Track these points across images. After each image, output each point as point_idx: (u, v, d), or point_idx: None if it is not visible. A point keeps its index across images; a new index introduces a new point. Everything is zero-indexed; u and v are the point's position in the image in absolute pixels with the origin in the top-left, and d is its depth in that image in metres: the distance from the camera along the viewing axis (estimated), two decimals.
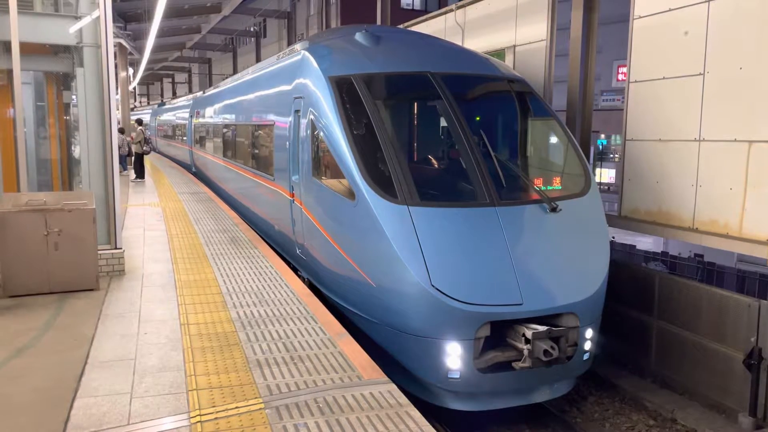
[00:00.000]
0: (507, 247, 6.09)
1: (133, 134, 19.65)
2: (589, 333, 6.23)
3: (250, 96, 11.99)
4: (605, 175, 42.77)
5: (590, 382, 7.96)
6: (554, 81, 10.23)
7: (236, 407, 4.19)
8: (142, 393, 4.41)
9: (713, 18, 7.18)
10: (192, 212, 12.48)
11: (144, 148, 18.95)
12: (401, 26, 14.25)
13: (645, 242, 28.65)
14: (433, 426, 4.19)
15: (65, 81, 8.87)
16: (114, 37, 9.56)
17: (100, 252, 7.19)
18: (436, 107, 7.40)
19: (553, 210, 6.56)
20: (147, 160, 21.26)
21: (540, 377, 6.17)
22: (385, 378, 4.69)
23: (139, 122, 21.63)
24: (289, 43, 32.06)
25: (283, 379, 4.62)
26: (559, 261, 6.28)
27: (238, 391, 4.44)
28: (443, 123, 7.82)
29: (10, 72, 7.30)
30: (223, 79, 23.22)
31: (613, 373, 8.09)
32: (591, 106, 9.91)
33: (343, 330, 5.73)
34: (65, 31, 7.55)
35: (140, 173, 18.73)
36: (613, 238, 26.07)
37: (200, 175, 20.23)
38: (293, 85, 8.51)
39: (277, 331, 5.63)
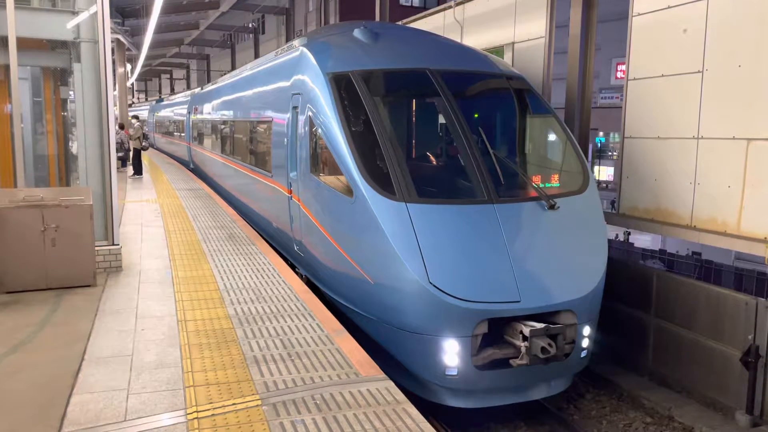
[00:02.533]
0: (505, 244, 6.09)
1: (131, 130, 19.54)
2: (586, 330, 6.23)
3: (248, 92, 11.97)
4: (603, 172, 42.85)
5: (587, 380, 7.97)
6: (553, 78, 10.22)
7: (233, 404, 4.18)
8: (139, 389, 4.40)
9: (712, 15, 7.18)
10: (190, 209, 12.46)
11: (143, 143, 18.89)
12: (400, 23, 14.23)
13: (643, 240, 28.71)
14: (431, 423, 4.19)
15: (63, 77, 8.84)
16: (112, 32, 9.54)
17: (97, 248, 7.17)
18: (434, 104, 7.40)
19: (552, 207, 6.55)
20: (145, 156, 21.18)
21: (537, 374, 6.17)
22: (383, 375, 4.69)
23: (136, 118, 21.50)
24: (288, 40, 32.01)
25: (281, 376, 4.62)
26: (557, 258, 6.28)
27: (235, 387, 4.43)
28: (442, 120, 7.80)
29: (7, 67, 7.27)
30: (221, 76, 23.18)
31: (610, 370, 8.10)
32: (590, 104, 9.91)
33: (341, 327, 5.72)
34: (62, 27, 7.52)
35: (138, 169, 18.69)
36: (629, 234, 26.15)
37: (198, 172, 20.20)
38: (291, 81, 8.49)
39: (274, 328, 5.63)
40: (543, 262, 6.18)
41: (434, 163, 7.95)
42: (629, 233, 26.21)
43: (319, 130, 7.17)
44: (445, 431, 6.56)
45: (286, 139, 8.52)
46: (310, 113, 7.50)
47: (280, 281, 7.19)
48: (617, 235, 26.54)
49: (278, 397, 4.29)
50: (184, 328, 5.60)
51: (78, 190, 7.25)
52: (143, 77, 66.27)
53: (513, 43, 10.77)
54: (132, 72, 37.20)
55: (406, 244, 5.92)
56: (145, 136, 19.29)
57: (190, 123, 21.75)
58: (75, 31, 7.49)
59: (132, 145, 18.89)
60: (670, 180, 7.80)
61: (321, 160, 7.34)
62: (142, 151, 19.46)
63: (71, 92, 8.14)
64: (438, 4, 26.03)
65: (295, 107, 8.15)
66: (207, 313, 6.03)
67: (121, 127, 18.68)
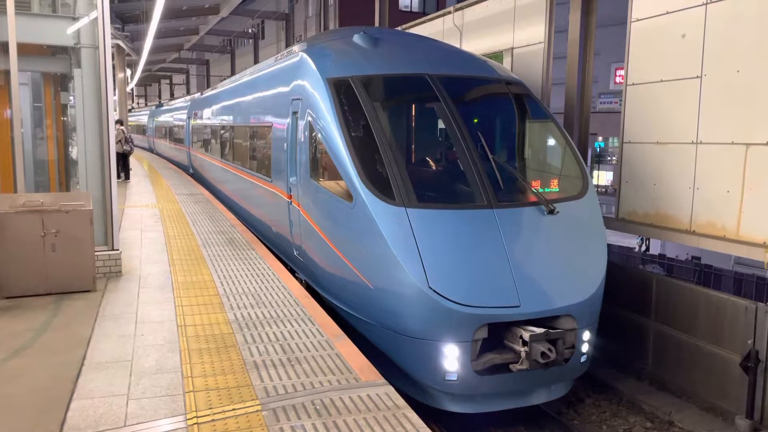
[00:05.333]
0: (504, 249, 6.09)
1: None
2: (586, 335, 6.23)
3: (248, 97, 11.99)
4: (603, 177, 42.90)
5: (587, 385, 7.96)
6: (552, 83, 10.25)
7: (233, 409, 4.18)
8: (138, 395, 4.40)
9: (711, 21, 7.20)
10: (189, 214, 12.47)
11: (125, 147, 18.71)
12: (399, 28, 14.26)
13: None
14: (431, 428, 4.18)
15: (63, 82, 8.85)
16: (112, 38, 9.56)
17: (97, 253, 7.17)
18: (433, 109, 7.41)
19: (551, 212, 6.56)
20: (144, 161, 21.09)
21: (537, 379, 6.17)
22: (383, 380, 4.68)
23: (119, 122, 21.17)
24: (287, 45, 32.07)
25: (280, 381, 4.61)
26: (556, 263, 6.28)
27: (235, 392, 4.43)
28: (441, 125, 7.82)
29: (7, 73, 7.29)
30: (221, 81, 23.20)
31: (610, 375, 8.09)
32: (589, 109, 9.92)
33: (341, 332, 5.72)
34: (63, 32, 7.54)
35: (125, 174, 18.70)
36: (647, 245, 25.79)
37: (198, 177, 20.20)
38: (291, 86, 8.51)
39: (274, 333, 5.63)
40: (542, 267, 6.19)
41: (434, 168, 7.96)
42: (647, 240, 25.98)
43: (319, 135, 7.18)
44: None
45: (285, 144, 8.53)
46: (309, 118, 7.51)
47: (279, 286, 7.19)
48: (643, 242, 26.04)
49: (278, 402, 4.28)
50: (184, 333, 5.60)
51: (78, 195, 7.26)
52: (143, 82, 66.28)
53: (512, 48, 10.80)
54: (132, 77, 37.21)
55: (406, 248, 5.93)
56: (126, 140, 18.97)
57: (190, 128, 21.77)
58: (75, 36, 7.51)
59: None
60: (669, 185, 7.81)
61: (321, 165, 7.35)
62: (128, 156, 19.33)
63: (71, 97, 8.15)
64: (437, 9, 26.09)
65: (294, 112, 8.17)
66: (207, 318, 6.03)
67: (119, 123, 18.55)
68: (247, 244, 9.54)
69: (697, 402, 7.22)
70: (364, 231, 6.29)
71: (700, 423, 6.87)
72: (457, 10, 12.53)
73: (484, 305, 5.76)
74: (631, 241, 26.62)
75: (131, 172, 19.75)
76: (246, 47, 45.89)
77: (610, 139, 42.86)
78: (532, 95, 8.05)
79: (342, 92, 7.11)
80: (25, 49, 7.48)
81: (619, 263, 11.51)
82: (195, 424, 3.98)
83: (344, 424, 3.99)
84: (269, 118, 9.74)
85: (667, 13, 7.76)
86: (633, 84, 8.31)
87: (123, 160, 18.64)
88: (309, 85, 7.70)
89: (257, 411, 4.15)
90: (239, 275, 7.63)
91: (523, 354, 5.70)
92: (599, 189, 35.26)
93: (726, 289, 18.08)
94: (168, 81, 64.75)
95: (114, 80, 9.08)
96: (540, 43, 10.10)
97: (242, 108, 12.55)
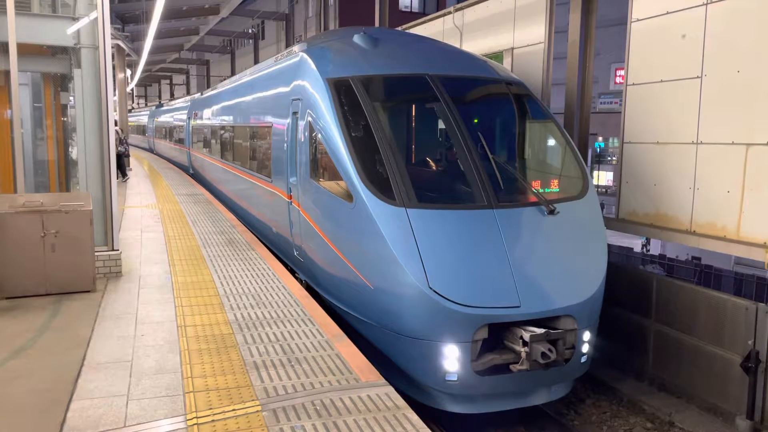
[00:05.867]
0: (505, 249, 6.09)
1: None
2: (586, 336, 6.23)
3: (248, 98, 11.98)
4: (603, 177, 42.92)
5: (588, 385, 7.96)
6: (552, 83, 10.24)
7: (233, 409, 4.18)
8: (138, 395, 4.40)
9: (711, 21, 7.20)
10: (189, 214, 12.46)
11: (119, 148, 18.71)
12: (399, 28, 14.26)
13: (638, 244, 28.66)
14: (431, 428, 4.18)
15: (63, 82, 8.85)
16: (112, 38, 9.56)
17: (97, 253, 7.16)
18: (434, 109, 7.41)
19: (551, 212, 6.56)
20: (144, 161, 21.08)
21: (537, 380, 6.16)
22: (383, 380, 4.68)
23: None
24: (287, 45, 32.05)
25: (281, 382, 4.61)
26: (556, 263, 6.28)
27: (235, 393, 4.43)
28: (441, 125, 7.82)
29: (7, 73, 7.29)
30: (221, 81, 23.20)
31: (610, 375, 8.09)
32: (589, 109, 9.92)
33: (341, 332, 5.72)
34: (63, 33, 7.54)
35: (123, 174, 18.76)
36: (647, 245, 25.70)
37: (198, 177, 20.20)
38: (291, 86, 8.50)
39: (274, 333, 5.62)
40: (543, 267, 6.18)
41: (434, 168, 7.96)
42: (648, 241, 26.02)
43: (319, 136, 7.18)
44: None
45: (285, 145, 8.53)
46: (309, 118, 7.51)
47: (279, 286, 7.18)
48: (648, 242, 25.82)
49: (278, 402, 4.28)
50: (184, 334, 5.60)
51: (78, 196, 7.26)
52: (143, 82, 66.26)
53: (512, 48, 10.80)
54: (132, 77, 37.18)
55: (406, 249, 5.92)
56: (120, 141, 18.94)
57: (190, 128, 21.77)
58: (75, 36, 7.51)
59: None
60: (669, 185, 7.81)
61: (321, 165, 7.35)
62: (125, 156, 19.32)
63: (71, 98, 8.16)
64: (437, 10, 26.09)
65: (294, 112, 8.17)
66: (207, 318, 6.03)
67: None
68: (247, 244, 9.54)
69: (698, 402, 7.22)
70: (364, 231, 6.29)
71: (701, 423, 6.87)
72: (457, 10, 12.53)
73: (485, 305, 5.75)
74: (631, 241, 26.63)
75: (131, 172, 19.75)
76: (246, 47, 45.89)
77: (610, 140, 42.87)
78: (533, 95, 8.04)
79: (342, 92, 7.11)
80: (25, 50, 7.48)
81: (619, 263, 11.50)
82: (195, 424, 3.98)
83: (344, 425, 3.99)
84: (269, 119, 9.73)
85: (667, 13, 7.75)
86: (633, 84, 8.31)
87: (118, 161, 18.62)
88: (309, 85, 7.69)
89: (257, 411, 4.15)
90: (239, 275, 7.63)
91: (523, 354, 5.70)
92: (599, 189, 35.26)
93: (726, 289, 18.11)
94: (168, 81, 64.71)
95: (114, 80, 9.07)
96: (540, 43, 10.10)
97: (242, 108, 12.55)
